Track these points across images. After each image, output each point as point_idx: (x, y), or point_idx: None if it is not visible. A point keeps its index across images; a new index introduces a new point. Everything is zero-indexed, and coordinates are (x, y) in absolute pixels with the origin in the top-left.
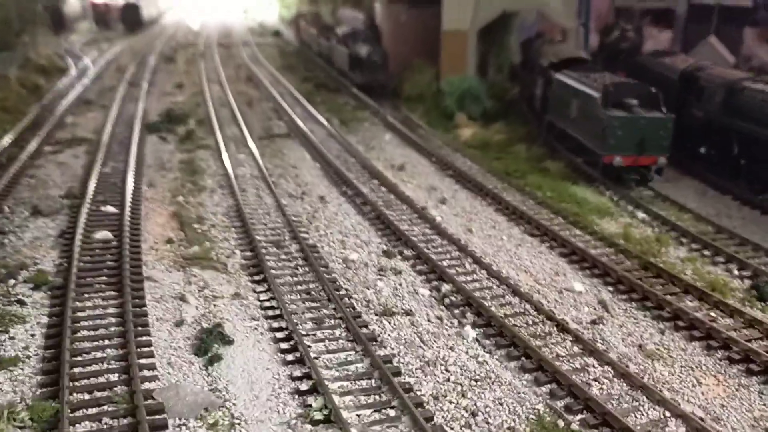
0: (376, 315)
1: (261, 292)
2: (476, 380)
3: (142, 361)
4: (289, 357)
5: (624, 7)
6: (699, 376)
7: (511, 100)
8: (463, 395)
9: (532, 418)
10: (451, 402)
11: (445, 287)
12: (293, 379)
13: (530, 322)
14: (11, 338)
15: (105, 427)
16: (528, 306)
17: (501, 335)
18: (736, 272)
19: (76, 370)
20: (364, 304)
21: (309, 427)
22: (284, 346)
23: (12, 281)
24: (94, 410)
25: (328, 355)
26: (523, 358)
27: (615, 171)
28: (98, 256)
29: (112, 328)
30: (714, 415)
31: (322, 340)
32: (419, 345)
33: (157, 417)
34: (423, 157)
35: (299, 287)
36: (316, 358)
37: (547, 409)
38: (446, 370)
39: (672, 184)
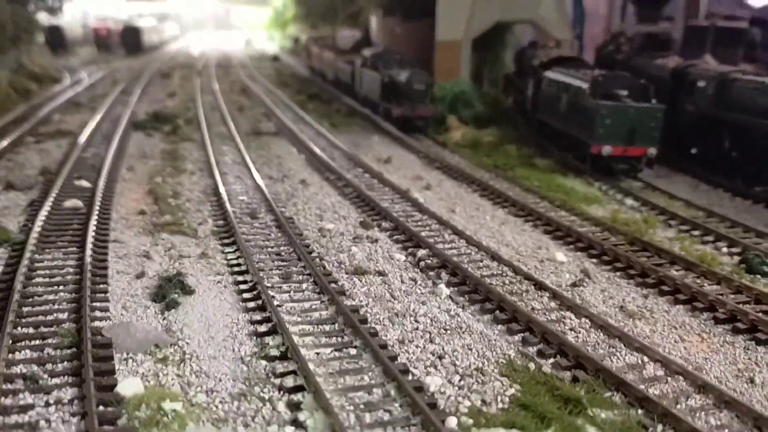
0: (347, 274)
1: (229, 252)
2: (446, 329)
3: (95, 304)
4: (251, 305)
5: (620, 31)
6: (682, 334)
7: (504, 109)
8: (431, 341)
9: (502, 362)
10: (417, 347)
11: (422, 252)
12: (252, 323)
13: (507, 282)
14: None
15: (46, 356)
16: (506, 269)
17: (475, 292)
18: (725, 250)
19: (25, 309)
20: (335, 265)
21: (264, 362)
22: (247, 296)
23: None
24: (37, 342)
25: (292, 303)
26: (497, 312)
27: (604, 161)
28: (65, 220)
29: (69, 277)
30: (696, 365)
31: (287, 292)
32: (389, 300)
33: (102, 350)
34: (411, 153)
35: (270, 249)
36: (279, 305)
37: (519, 355)
38: (415, 321)
39: (664, 179)
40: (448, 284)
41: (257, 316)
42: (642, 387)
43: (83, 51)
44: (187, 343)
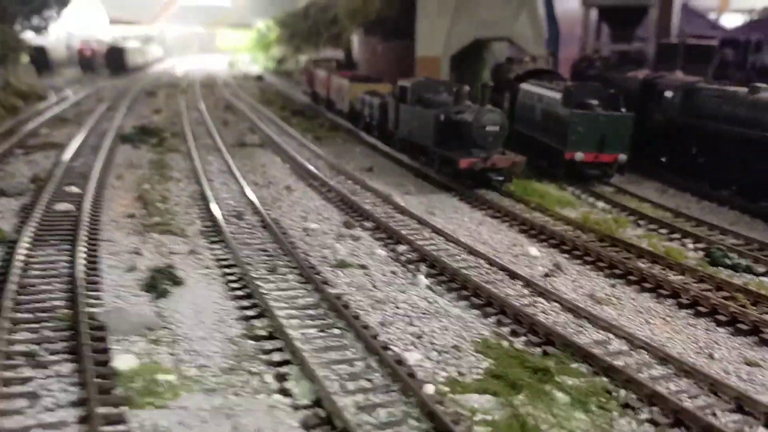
0: (331, 267)
1: (217, 249)
2: (424, 314)
3: (89, 293)
4: (239, 293)
5: (595, 49)
6: (648, 318)
7: None
8: (410, 324)
9: (477, 341)
10: (398, 328)
11: (402, 247)
12: (241, 308)
13: (483, 273)
14: None
15: (44, 337)
16: (482, 261)
17: (453, 281)
18: (690, 246)
19: (22, 297)
20: (320, 260)
21: (252, 342)
22: (235, 285)
23: None
24: (35, 325)
25: (279, 292)
26: (472, 297)
27: (577, 167)
28: (57, 222)
29: (63, 270)
30: (660, 343)
31: (273, 282)
32: (370, 289)
33: (97, 332)
34: (393, 163)
35: (256, 246)
36: (265, 294)
37: (493, 334)
38: (396, 307)
39: (634, 184)
40: (427, 275)
41: (245, 303)
42: (607, 359)
43: (68, 71)
44: (179, 327)
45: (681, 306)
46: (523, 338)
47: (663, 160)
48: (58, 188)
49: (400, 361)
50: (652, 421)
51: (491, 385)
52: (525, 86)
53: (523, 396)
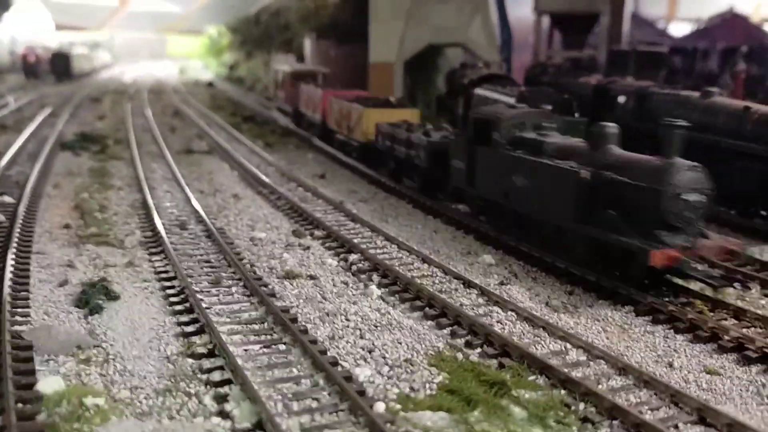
0: (278, 278)
1: (156, 261)
2: (376, 326)
3: (16, 309)
4: (178, 308)
5: (548, 56)
6: (605, 326)
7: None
8: (361, 337)
9: (431, 353)
10: (348, 342)
11: (353, 257)
12: (179, 324)
13: (437, 282)
14: None
15: None
16: (436, 270)
17: (406, 291)
18: None
19: None
20: (266, 271)
21: (190, 360)
22: (174, 299)
23: None
24: None
25: (221, 306)
26: (426, 308)
27: None
28: None
29: None
30: (618, 352)
31: (216, 295)
32: (320, 301)
33: (22, 352)
34: (346, 170)
35: (199, 257)
36: (207, 308)
37: (447, 346)
38: (346, 320)
39: None
40: (379, 285)
41: (184, 318)
42: (565, 370)
43: (11, 78)
44: (111, 345)
45: (638, 314)
46: (478, 350)
47: None
48: None
49: (350, 378)
50: None
51: (445, 402)
52: (479, 91)
53: (479, 412)
